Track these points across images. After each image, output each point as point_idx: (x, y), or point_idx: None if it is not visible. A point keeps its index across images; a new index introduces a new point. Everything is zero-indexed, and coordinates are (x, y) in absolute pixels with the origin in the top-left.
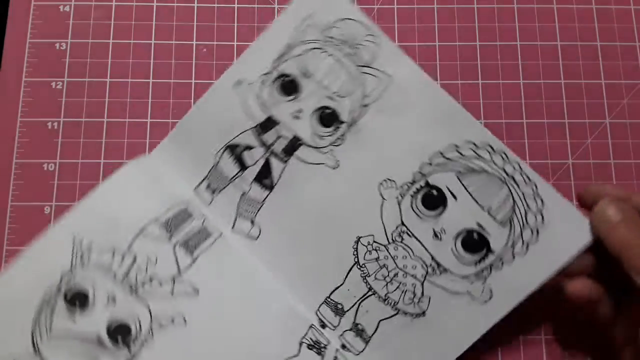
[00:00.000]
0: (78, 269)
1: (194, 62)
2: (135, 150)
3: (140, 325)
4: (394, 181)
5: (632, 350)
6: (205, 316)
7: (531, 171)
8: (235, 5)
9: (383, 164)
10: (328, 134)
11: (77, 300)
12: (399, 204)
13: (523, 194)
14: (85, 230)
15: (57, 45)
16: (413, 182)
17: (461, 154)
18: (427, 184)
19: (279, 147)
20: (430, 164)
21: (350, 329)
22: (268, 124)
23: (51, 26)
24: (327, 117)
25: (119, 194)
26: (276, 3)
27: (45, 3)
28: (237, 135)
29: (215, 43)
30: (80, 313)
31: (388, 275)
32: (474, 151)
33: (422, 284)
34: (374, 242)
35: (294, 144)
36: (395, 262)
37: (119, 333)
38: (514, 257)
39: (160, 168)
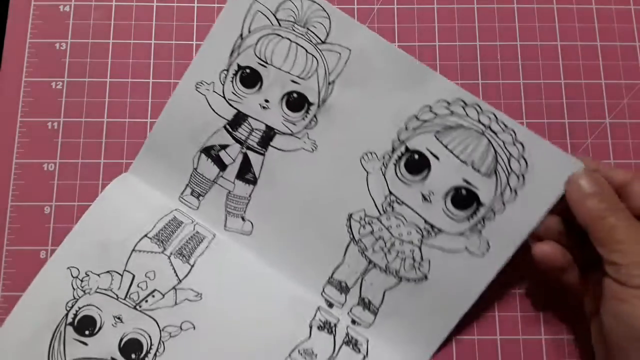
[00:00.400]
0: (81, 299)
1: None
2: (135, 150)
3: (150, 339)
4: (374, 153)
5: (596, 323)
6: (213, 318)
7: (507, 118)
8: None
9: (360, 138)
10: (300, 118)
11: (85, 326)
12: (384, 174)
13: (503, 142)
14: (79, 260)
15: (57, 45)
16: (393, 150)
17: (435, 113)
18: (407, 149)
19: (253, 140)
20: (407, 128)
21: (358, 304)
22: (237, 119)
23: (51, 26)
24: (295, 102)
25: (105, 217)
26: None
27: (45, 3)
28: (210, 137)
29: None
30: (90, 338)
31: (385, 245)
32: (447, 108)
33: (420, 248)
34: (366, 216)
35: (268, 135)
36: (390, 231)
37: (132, 350)
38: (504, 205)
39: (141, 183)
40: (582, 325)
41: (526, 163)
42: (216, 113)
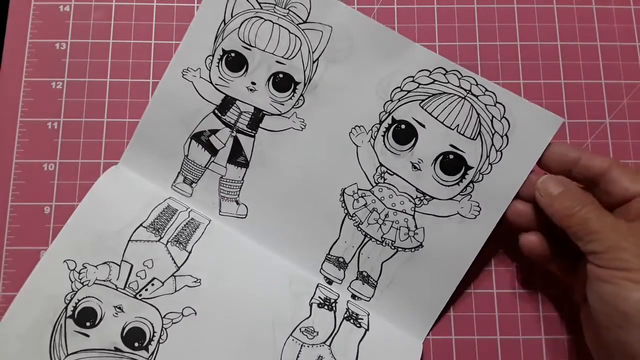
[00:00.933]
0: (79, 291)
1: None
2: None
3: (152, 326)
4: (362, 126)
5: (585, 309)
6: (213, 302)
7: (486, 81)
8: None
9: (348, 113)
10: (287, 97)
11: (86, 318)
12: (373, 147)
13: (484, 104)
14: (75, 253)
15: (57, 45)
16: (381, 122)
17: (418, 83)
18: (394, 120)
19: (243, 123)
20: (392, 100)
21: (357, 278)
22: (226, 103)
23: (51, 26)
24: (282, 82)
25: (98, 209)
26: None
27: (45, 3)
28: (200, 123)
29: None
30: (91, 329)
31: (379, 217)
32: (428, 77)
33: (413, 217)
34: (359, 189)
35: (257, 117)
36: (383, 203)
37: (135, 338)
38: (491, 166)
39: (133, 173)
40: (580, 325)
41: (508, 123)
42: (204, 99)
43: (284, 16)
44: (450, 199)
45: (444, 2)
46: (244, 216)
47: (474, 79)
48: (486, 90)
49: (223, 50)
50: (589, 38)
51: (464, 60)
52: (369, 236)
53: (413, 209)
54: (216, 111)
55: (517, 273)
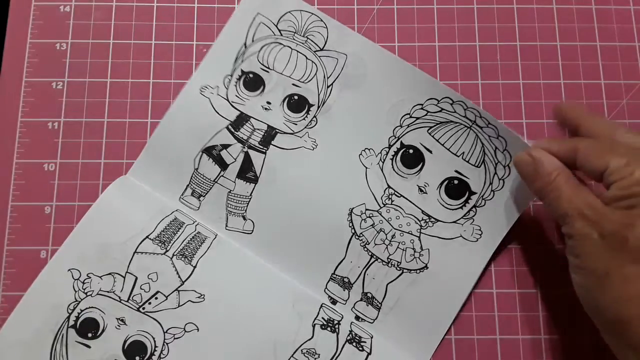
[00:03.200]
0: (83, 301)
1: (194, 62)
2: (135, 150)
3: (154, 341)
4: (372, 149)
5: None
6: (215, 318)
7: (488, 115)
8: (236, 6)
9: (359, 136)
10: (300, 118)
11: (88, 329)
12: (382, 169)
13: (488, 135)
14: (80, 262)
15: (58, 45)
16: (390, 146)
17: (427, 110)
18: (403, 144)
19: (255, 140)
20: (401, 126)
21: (361, 300)
22: (240, 120)
23: (51, 26)
24: (296, 103)
25: (104, 219)
26: None
27: (45, 3)
28: (212, 137)
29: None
30: (93, 340)
31: (386, 237)
32: (436, 106)
33: (419, 238)
34: (367, 209)
35: (270, 134)
36: (390, 223)
37: (135, 352)
38: (493, 192)
39: (141, 185)
40: (580, 325)
41: (510, 156)
42: (219, 114)
43: (302, 43)
44: (454, 222)
45: (444, 2)
46: (250, 232)
47: (478, 111)
48: (489, 123)
49: (242, 71)
50: (588, 38)
51: (464, 60)
52: (375, 257)
53: (419, 230)
54: (230, 127)
55: (517, 273)
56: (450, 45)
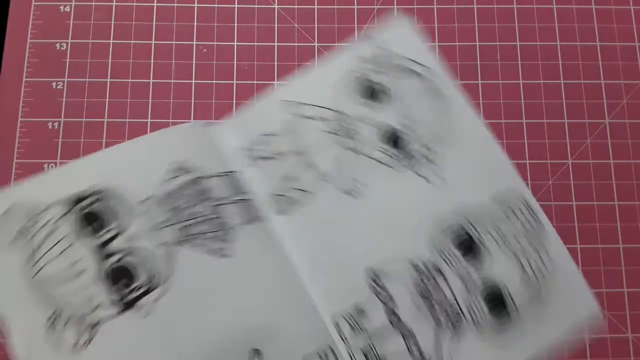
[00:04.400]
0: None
1: (194, 62)
2: None
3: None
4: None
5: None
6: (232, 278)
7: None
8: (236, 6)
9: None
10: (395, 153)
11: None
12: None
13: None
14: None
15: (58, 45)
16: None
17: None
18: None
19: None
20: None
21: None
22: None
23: (51, 26)
24: (394, 139)
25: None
26: (276, 3)
27: (45, 3)
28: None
29: (215, 43)
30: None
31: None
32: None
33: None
34: None
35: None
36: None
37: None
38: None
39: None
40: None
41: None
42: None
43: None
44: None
45: (443, 2)
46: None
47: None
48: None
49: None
50: (588, 38)
51: (464, 60)
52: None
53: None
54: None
55: None
56: (450, 45)
